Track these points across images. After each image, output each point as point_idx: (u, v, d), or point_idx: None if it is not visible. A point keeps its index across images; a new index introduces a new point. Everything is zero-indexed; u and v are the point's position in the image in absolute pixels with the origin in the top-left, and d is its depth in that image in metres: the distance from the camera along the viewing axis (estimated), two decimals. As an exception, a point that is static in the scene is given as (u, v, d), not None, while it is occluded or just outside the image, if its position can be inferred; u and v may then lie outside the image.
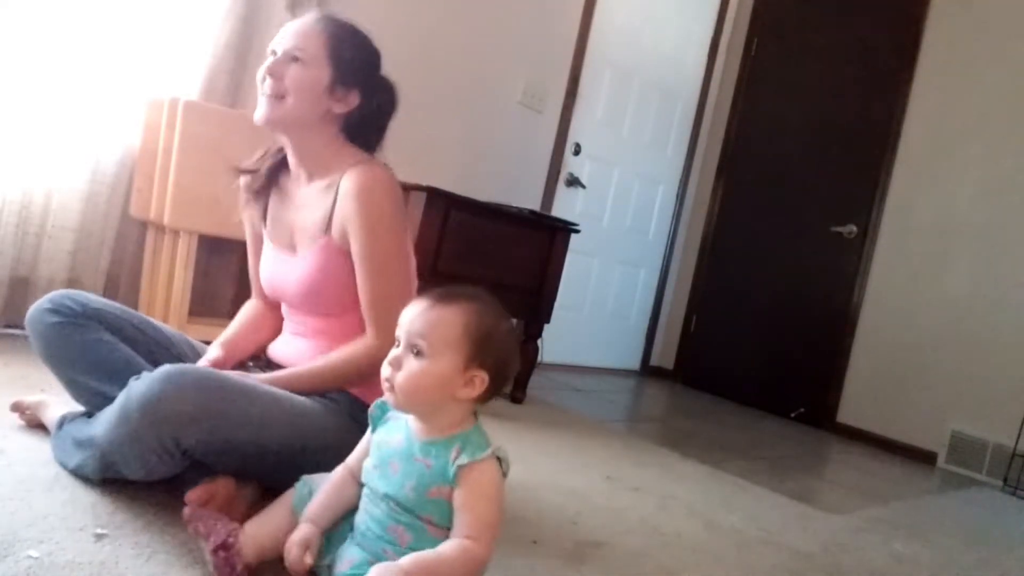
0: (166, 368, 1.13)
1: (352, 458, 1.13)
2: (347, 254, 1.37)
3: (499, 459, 1.02)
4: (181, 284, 2.21)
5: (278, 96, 1.35)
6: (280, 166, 1.49)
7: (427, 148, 3.22)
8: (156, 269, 2.29)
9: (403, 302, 1.31)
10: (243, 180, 1.52)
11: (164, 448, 1.11)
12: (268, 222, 1.51)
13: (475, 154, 3.43)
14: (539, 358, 2.88)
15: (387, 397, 1.03)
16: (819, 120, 4.12)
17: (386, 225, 1.36)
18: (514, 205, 2.84)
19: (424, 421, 1.04)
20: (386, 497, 1.03)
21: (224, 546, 1.01)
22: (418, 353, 1.01)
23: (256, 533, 1.06)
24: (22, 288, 2.20)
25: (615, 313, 4.37)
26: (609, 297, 4.31)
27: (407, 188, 2.41)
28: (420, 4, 3.08)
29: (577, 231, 2.92)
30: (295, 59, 1.34)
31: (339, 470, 1.13)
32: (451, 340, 1.00)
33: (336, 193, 1.37)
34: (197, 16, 2.38)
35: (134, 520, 1.14)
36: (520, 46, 3.50)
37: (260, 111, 1.37)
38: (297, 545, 1.02)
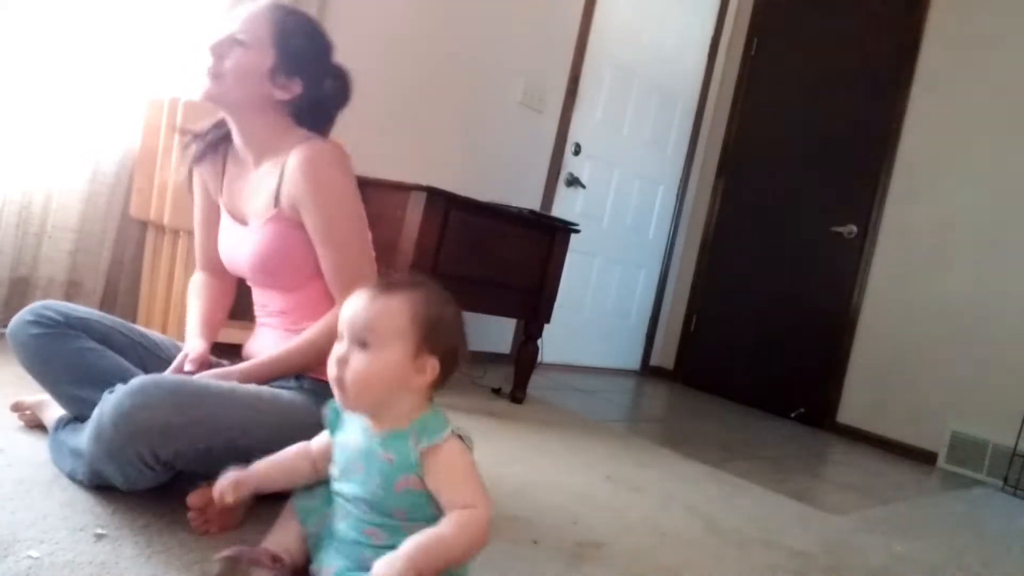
0: (138, 380, 1.12)
1: (314, 440, 1.13)
2: (299, 226, 1.37)
3: (460, 437, 1.01)
4: (181, 284, 2.21)
5: (216, 75, 1.35)
6: (226, 138, 1.49)
7: (427, 148, 3.22)
8: (156, 269, 2.29)
9: (367, 268, 1.36)
10: (183, 142, 1.53)
11: (143, 461, 1.10)
12: (224, 191, 1.51)
13: (475, 154, 3.43)
14: (539, 358, 2.88)
15: (337, 397, 1.01)
16: (819, 120, 4.12)
17: (337, 195, 1.36)
18: (514, 205, 2.84)
19: (377, 418, 1.02)
20: (356, 500, 1.02)
21: (276, 558, 1.02)
22: (364, 346, 0.99)
23: (281, 547, 1.06)
24: (22, 288, 2.20)
25: (615, 313, 4.38)
26: (609, 297, 4.31)
27: (407, 188, 2.41)
28: (420, 4, 3.08)
29: (577, 231, 2.92)
30: (238, 41, 1.35)
31: (297, 445, 1.13)
32: (399, 329, 0.99)
33: (283, 169, 1.37)
34: (197, 16, 2.38)
35: (134, 520, 1.14)
36: (520, 46, 3.50)
37: (200, 87, 1.37)
38: (226, 481, 1.05)
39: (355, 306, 1.01)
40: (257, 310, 1.52)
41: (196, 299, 1.56)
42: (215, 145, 1.51)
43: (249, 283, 1.51)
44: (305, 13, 1.46)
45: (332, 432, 1.09)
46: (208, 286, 1.59)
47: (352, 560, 1.01)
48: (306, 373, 1.38)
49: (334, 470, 1.06)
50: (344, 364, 0.99)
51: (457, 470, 0.98)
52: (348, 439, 1.05)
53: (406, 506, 0.99)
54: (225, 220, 1.51)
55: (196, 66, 1.40)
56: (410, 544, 0.91)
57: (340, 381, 0.99)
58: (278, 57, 1.37)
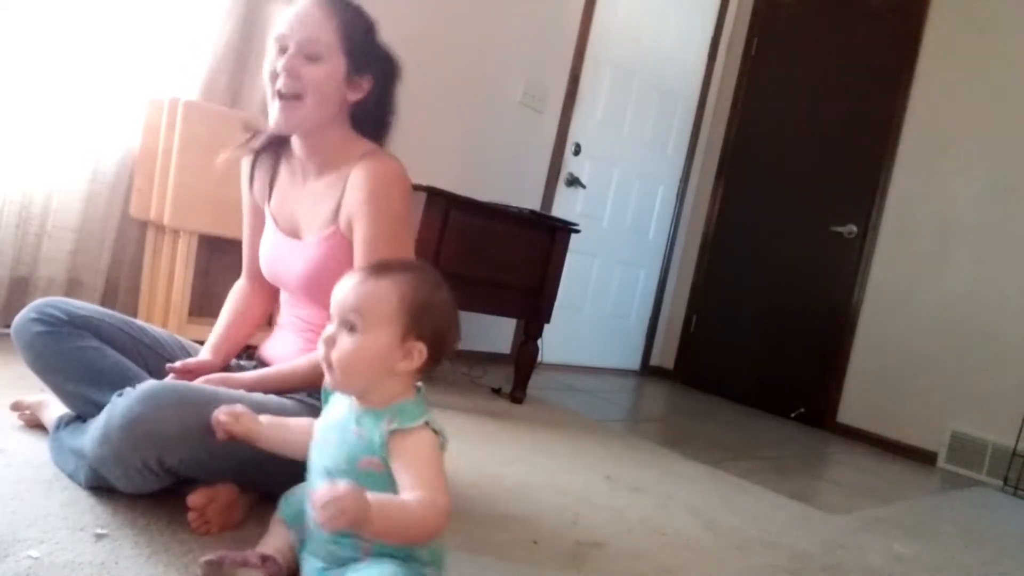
0: (147, 386, 1.12)
1: (318, 420, 1.13)
2: (351, 244, 1.34)
3: (435, 431, 0.99)
4: (181, 284, 2.21)
5: (295, 96, 1.28)
6: (284, 143, 1.44)
7: (427, 148, 3.22)
8: (156, 269, 2.29)
9: None
10: (250, 145, 1.46)
11: (147, 467, 1.11)
12: (273, 199, 1.46)
13: (475, 154, 3.43)
14: (539, 358, 2.88)
15: (326, 376, 1.01)
16: (819, 120, 4.12)
17: (394, 220, 1.33)
18: (514, 205, 2.84)
19: (363, 399, 1.01)
20: (324, 470, 1.01)
21: (266, 557, 1.02)
22: (352, 328, 0.98)
23: (274, 549, 1.06)
24: (22, 288, 2.20)
25: (615, 313, 4.38)
26: (609, 297, 4.31)
27: (407, 188, 2.41)
28: (420, 4, 3.08)
29: (577, 231, 2.92)
30: (310, 54, 1.28)
31: (303, 419, 1.15)
32: (386, 312, 0.98)
33: (345, 184, 1.34)
34: (197, 16, 2.38)
35: (134, 520, 1.14)
36: (520, 46, 3.50)
37: (278, 117, 1.29)
38: (228, 409, 1.09)
39: (345, 287, 1.01)
40: (283, 316, 1.49)
41: (227, 308, 1.54)
42: (275, 148, 1.45)
43: (287, 293, 1.48)
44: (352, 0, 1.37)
45: (324, 402, 1.09)
46: (245, 295, 1.55)
47: (325, 558, 1.00)
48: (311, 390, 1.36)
49: (312, 442, 1.06)
50: (332, 344, 0.99)
51: (421, 458, 0.96)
52: (333, 411, 1.06)
53: (368, 485, 0.94)
54: (271, 230, 1.46)
55: (267, 94, 1.30)
56: (372, 494, 0.89)
57: (327, 361, 0.99)
58: (349, 59, 1.31)
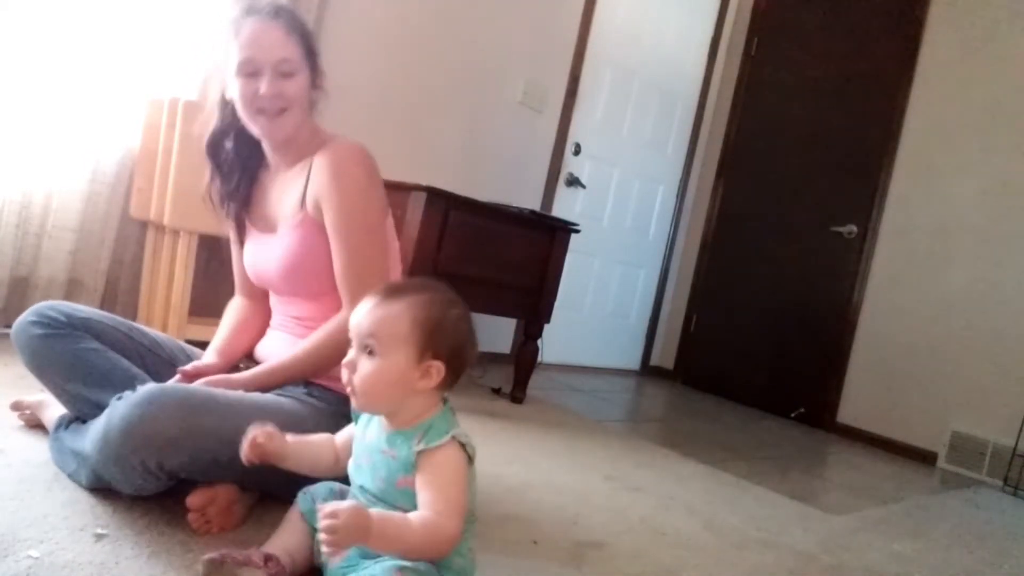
0: (146, 389, 1.12)
1: (339, 433, 1.16)
2: (323, 229, 1.37)
3: (463, 444, 1.02)
4: (181, 284, 2.21)
5: (280, 111, 1.35)
6: (246, 167, 1.49)
7: (427, 148, 3.22)
8: (156, 269, 2.29)
9: (377, 273, 1.34)
10: (230, 204, 1.51)
11: (147, 470, 1.11)
12: (250, 210, 1.51)
13: (475, 154, 3.43)
14: (539, 358, 2.88)
15: (352, 400, 1.04)
16: (819, 120, 4.12)
17: (359, 196, 1.36)
18: (514, 205, 2.84)
19: (390, 418, 1.05)
20: (362, 489, 1.06)
21: (269, 557, 1.02)
22: (370, 352, 1.01)
23: (282, 548, 1.06)
24: (22, 288, 2.20)
25: (615, 313, 4.38)
26: (609, 297, 4.31)
27: (407, 188, 2.41)
28: (421, 5, 3.08)
29: (577, 231, 2.92)
30: (286, 72, 1.34)
31: (324, 435, 1.17)
32: (400, 334, 1.01)
33: (310, 170, 1.38)
34: (197, 16, 2.38)
35: (134, 520, 1.14)
36: (520, 46, 3.50)
37: (267, 131, 1.37)
38: (260, 428, 1.07)
39: (360, 313, 1.04)
40: (274, 318, 1.52)
41: (226, 319, 1.57)
42: (245, 180, 1.49)
43: (273, 292, 1.51)
44: (294, 7, 1.44)
45: (356, 422, 1.12)
46: (242, 307, 1.59)
47: (359, 547, 1.01)
48: (313, 380, 1.37)
49: (351, 461, 1.09)
50: (352, 369, 1.02)
51: (443, 476, 0.99)
52: (367, 432, 1.08)
53: (406, 502, 1.00)
54: (252, 237, 1.51)
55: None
56: (377, 512, 0.92)
57: (351, 385, 1.02)
58: (311, 66, 1.40)
